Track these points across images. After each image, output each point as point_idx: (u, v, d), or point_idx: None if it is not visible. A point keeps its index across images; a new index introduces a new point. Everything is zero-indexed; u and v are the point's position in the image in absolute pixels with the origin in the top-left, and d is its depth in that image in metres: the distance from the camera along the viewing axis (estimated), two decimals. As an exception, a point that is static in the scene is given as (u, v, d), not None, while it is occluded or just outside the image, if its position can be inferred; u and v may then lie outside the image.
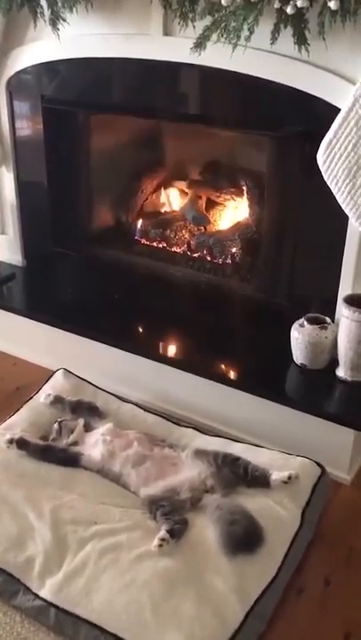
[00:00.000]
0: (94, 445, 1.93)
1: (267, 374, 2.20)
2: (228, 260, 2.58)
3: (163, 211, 2.88)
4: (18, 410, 2.13)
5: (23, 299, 2.78)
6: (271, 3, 1.70)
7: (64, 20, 2.12)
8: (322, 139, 1.84)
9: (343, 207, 1.89)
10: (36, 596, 1.55)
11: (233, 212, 2.74)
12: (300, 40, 1.76)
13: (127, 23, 2.12)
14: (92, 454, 1.90)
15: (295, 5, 1.68)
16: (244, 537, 1.64)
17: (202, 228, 2.74)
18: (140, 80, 2.24)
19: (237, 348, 2.33)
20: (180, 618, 1.47)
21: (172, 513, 1.69)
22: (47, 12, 2.12)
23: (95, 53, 2.23)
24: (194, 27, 1.88)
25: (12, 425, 2.05)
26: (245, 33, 1.77)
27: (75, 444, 1.96)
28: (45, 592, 1.55)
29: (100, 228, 2.84)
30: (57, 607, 1.52)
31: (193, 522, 1.70)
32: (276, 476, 1.79)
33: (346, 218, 1.92)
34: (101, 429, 1.97)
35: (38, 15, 2.14)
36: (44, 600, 1.54)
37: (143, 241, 2.78)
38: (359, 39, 1.77)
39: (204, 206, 2.80)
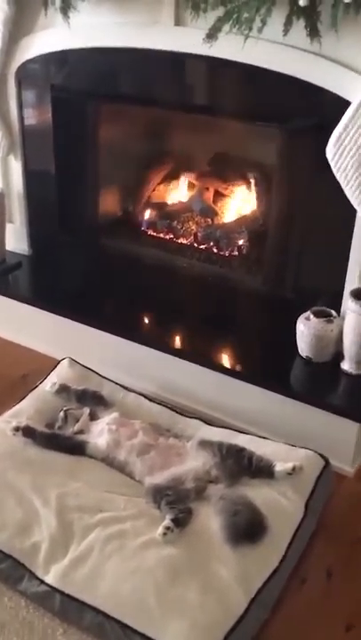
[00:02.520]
0: (100, 434, 1.94)
1: (272, 366, 2.21)
2: (235, 252, 2.59)
3: (170, 202, 2.88)
4: (24, 398, 2.14)
5: (29, 287, 2.79)
6: (284, -6, 1.71)
7: (75, 9, 2.12)
8: (331, 132, 1.84)
9: (351, 201, 1.90)
10: (42, 581, 1.57)
11: (240, 204, 2.74)
12: (313, 32, 1.76)
13: (138, 12, 2.11)
14: (97, 443, 1.91)
15: (308, -3, 1.67)
16: (245, 528, 1.65)
17: (209, 219, 2.74)
18: (151, 70, 2.24)
19: (243, 340, 2.34)
20: (183, 605, 1.49)
21: (177, 502, 1.70)
22: (58, 0, 2.11)
23: (105, 43, 2.23)
24: (205, 17, 1.87)
25: (18, 412, 2.06)
26: (258, 24, 1.77)
27: (80, 432, 1.97)
28: (51, 578, 1.57)
29: (106, 217, 2.84)
30: (62, 593, 1.53)
31: (197, 511, 1.71)
32: (280, 467, 1.80)
33: (354, 211, 1.93)
34: (107, 418, 1.98)
35: (49, 3, 2.14)
36: (50, 586, 1.55)
37: (150, 232, 2.78)
38: (372, 32, 1.77)
39: (211, 198, 2.80)
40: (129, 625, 1.46)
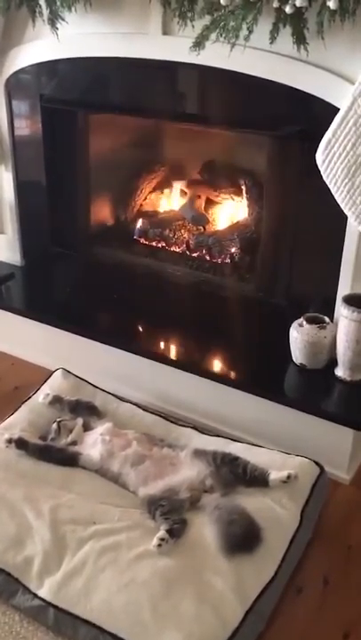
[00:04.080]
0: (93, 445, 1.92)
1: (266, 374, 2.20)
2: (227, 260, 2.58)
3: (162, 210, 2.88)
4: (17, 409, 2.12)
5: (22, 298, 2.78)
6: (270, 2, 1.71)
7: (63, 20, 2.13)
8: (321, 138, 1.84)
9: (342, 207, 1.89)
10: (35, 595, 1.55)
11: (232, 211, 2.74)
12: (299, 39, 1.76)
13: (126, 22, 2.12)
14: (90, 454, 1.90)
15: (294, 5, 1.68)
16: (242, 537, 1.64)
17: (201, 227, 2.74)
18: (139, 79, 2.24)
19: (236, 348, 2.33)
20: (179, 617, 1.47)
21: (171, 512, 1.69)
22: (46, 12, 2.12)
23: (94, 53, 2.23)
24: (193, 26, 1.88)
25: (10, 425, 2.05)
26: (244, 32, 1.77)
27: (73, 443, 1.95)
28: (44, 592, 1.55)
29: (98, 227, 2.84)
30: (56, 607, 1.52)
31: (192, 521, 1.70)
32: (274, 475, 1.79)
33: (345, 217, 1.92)
34: (100, 429, 1.97)
35: (37, 14, 2.15)
36: (43, 600, 1.54)
37: (142, 240, 2.78)
38: (358, 38, 1.77)
39: (203, 206, 2.80)
40: (124, 638, 1.44)
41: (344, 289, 2.08)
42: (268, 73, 1.92)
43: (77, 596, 1.53)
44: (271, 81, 1.93)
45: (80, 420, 2.02)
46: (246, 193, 2.59)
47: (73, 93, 2.42)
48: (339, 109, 1.81)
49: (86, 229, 2.81)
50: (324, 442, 2.01)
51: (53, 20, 2.12)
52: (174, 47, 2.02)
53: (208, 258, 2.62)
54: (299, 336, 2.10)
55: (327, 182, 1.88)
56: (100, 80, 2.33)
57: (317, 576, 1.74)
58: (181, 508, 1.72)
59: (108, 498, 1.80)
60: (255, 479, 1.80)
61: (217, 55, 1.87)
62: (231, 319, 2.42)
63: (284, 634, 1.59)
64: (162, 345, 2.38)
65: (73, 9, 2.07)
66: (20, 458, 1.90)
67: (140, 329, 2.51)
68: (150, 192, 2.89)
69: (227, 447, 1.93)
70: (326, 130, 1.83)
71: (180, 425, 2.11)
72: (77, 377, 2.26)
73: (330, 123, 1.81)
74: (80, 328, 2.43)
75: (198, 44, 1.84)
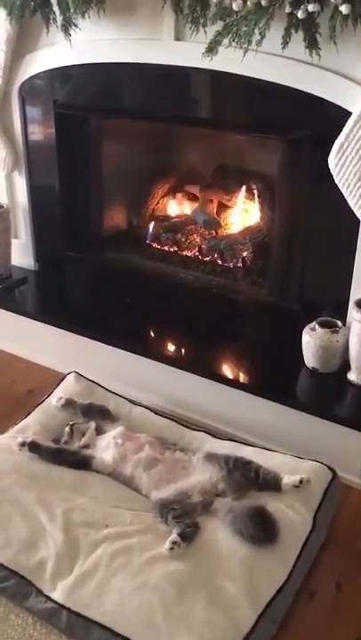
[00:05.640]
0: (106, 448, 1.93)
1: (278, 377, 2.20)
2: (240, 264, 2.59)
3: (174, 214, 2.89)
4: (30, 413, 2.14)
5: (35, 302, 2.80)
6: (282, 7, 1.71)
7: (76, 26, 2.14)
8: (333, 142, 1.85)
9: (354, 210, 1.89)
10: (48, 598, 1.56)
11: (244, 215, 2.74)
12: (311, 44, 1.76)
13: (139, 28, 2.13)
14: (103, 457, 1.91)
15: (306, 10, 1.68)
16: (266, 523, 1.66)
17: (213, 231, 2.75)
18: (152, 85, 2.25)
19: (249, 352, 2.33)
20: (191, 621, 1.47)
21: (184, 516, 1.69)
22: (59, 18, 2.14)
23: (107, 58, 2.25)
24: (205, 32, 1.89)
25: (24, 428, 2.06)
26: (256, 37, 1.77)
27: (86, 447, 1.96)
28: (57, 594, 1.56)
29: (111, 231, 2.85)
30: (68, 609, 1.52)
31: (204, 525, 1.70)
32: (287, 480, 1.79)
33: (357, 221, 1.93)
34: (113, 432, 1.98)
35: (51, 21, 2.16)
36: (56, 602, 1.54)
37: (154, 245, 2.79)
38: (370, 43, 1.77)
39: (215, 210, 2.80)
40: (136, 642, 1.45)
41: (357, 292, 2.08)
42: (280, 77, 1.93)
43: (90, 598, 1.53)
44: (283, 85, 1.93)
45: (93, 424, 2.03)
46: (258, 197, 2.60)
47: (86, 99, 2.44)
48: (351, 113, 1.81)
49: (99, 234, 2.83)
50: (337, 446, 2.00)
51: (67, 26, 2.14)
52: (187, 52, 2.03)
53: (220, 262, 2.62)
54: (311, 340, 2.10)
55: (340, 186, 1.88)
56: (113, 86, 2.35)
57: (330, 581, 1.73)
58: (193, 512, 1.72)
59: (121, 501, 1.80)
60: (267, 483, 1.79)
61: (229, 60, 1.87)
62: (243, 323, 2.43)
63: (296, 638, 1.58)
64: (174, 349, 2.39)
65: (86, 15, 2.09)
66: (33, 461, 1.91)
67: (153, 333, 2.52)
68: (162, 196, 2.90)
69: (239, 451, 1.93)
70: (339, 134, 1.83)
71: (192, 429, 2.11)
72: (90, 380, 2.27)
73: (342, 127, 1.82)
74: (93, 332, 2.44)
75: (211, 49, 1.85)
